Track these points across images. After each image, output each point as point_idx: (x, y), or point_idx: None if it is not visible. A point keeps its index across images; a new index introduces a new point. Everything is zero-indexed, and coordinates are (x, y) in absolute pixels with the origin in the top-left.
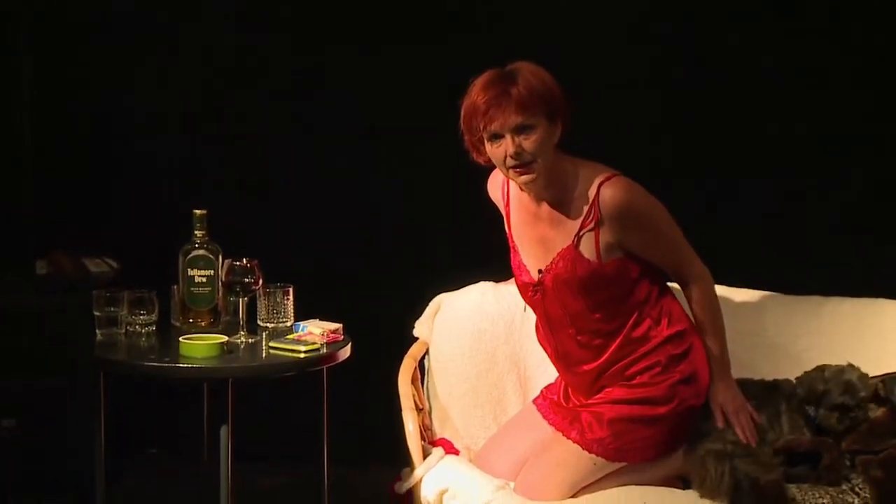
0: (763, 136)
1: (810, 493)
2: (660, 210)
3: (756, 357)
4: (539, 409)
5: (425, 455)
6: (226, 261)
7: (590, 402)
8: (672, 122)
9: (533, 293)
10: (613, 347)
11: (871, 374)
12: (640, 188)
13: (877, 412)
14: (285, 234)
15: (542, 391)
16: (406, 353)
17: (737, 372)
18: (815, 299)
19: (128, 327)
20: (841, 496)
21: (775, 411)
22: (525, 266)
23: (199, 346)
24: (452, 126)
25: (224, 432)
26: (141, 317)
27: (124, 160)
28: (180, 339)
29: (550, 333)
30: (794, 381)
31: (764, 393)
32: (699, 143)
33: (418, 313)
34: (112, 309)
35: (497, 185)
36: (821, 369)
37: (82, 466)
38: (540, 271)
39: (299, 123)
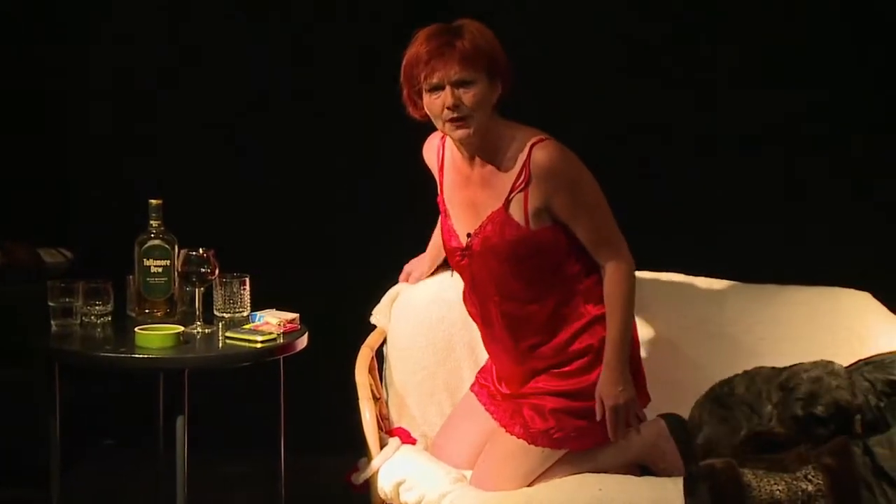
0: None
1: (765, 479)
2: (589, 179)
3: (712, 346)
4: (478, 398)
5: (382, 445)
6: (182, 251)
7: (526, 391)
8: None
9: (461, 258)
10: (540, 323)
11: (825, 362)
12: (573, 154)
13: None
14: (242, 223)
15: (476, 376)
16: (364, 342)
17: (690, 362)
18: (771, 287)
19: (83, 318)
20: (795, 483)
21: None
22: (454, 230)
23: (155, 337)
24: (410, 115)
25: (180, 422)
26: (96, 307)
27: (79, 150)
28: (136, 329)
29: (477, 301)
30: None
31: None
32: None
33: (376, 302)
34: (67, 299)
35: (432, 149)
36: (833, 378)
37: (38, 457)
38: (469, 235)
39: (256, 112)
